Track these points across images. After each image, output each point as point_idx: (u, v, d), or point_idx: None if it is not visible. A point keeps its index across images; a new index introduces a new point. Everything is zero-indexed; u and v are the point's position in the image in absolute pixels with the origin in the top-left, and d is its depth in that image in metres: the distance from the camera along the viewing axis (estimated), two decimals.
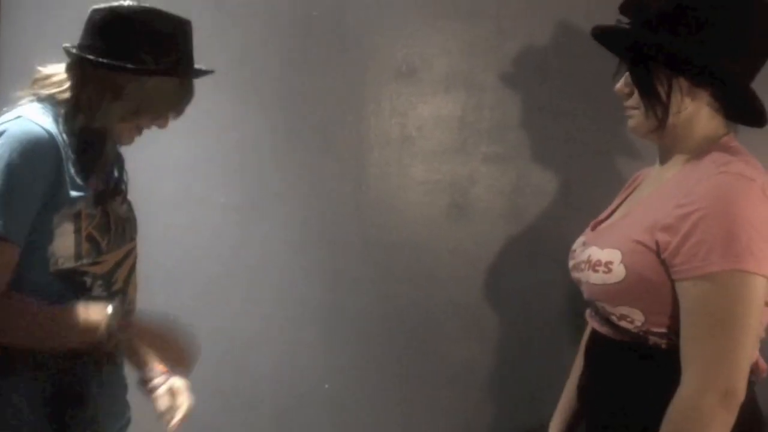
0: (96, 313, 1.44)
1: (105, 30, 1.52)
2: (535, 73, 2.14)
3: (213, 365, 2.35)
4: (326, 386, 2.31)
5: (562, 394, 1.70)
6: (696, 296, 1.25)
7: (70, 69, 1.55)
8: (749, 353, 1.25)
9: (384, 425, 2.31)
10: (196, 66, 1.62)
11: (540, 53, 2.13)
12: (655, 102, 1.37)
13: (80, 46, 1.54)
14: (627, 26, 1.38)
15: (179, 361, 1.65)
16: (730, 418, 1.23)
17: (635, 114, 1.42)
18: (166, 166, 2.30)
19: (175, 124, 2.26)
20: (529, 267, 2.19)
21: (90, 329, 1.43)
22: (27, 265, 1.43)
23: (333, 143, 2.26)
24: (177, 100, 1.59)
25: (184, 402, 1.67)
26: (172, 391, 1.67)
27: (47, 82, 1.55)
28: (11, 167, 1.36)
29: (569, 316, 2.13)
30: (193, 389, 2.33)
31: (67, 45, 1.56)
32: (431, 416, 2.29)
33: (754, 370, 1.35)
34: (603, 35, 1.43)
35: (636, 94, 1.40)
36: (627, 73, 1.41)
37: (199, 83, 2.23)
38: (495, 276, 2.21)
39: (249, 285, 2.32)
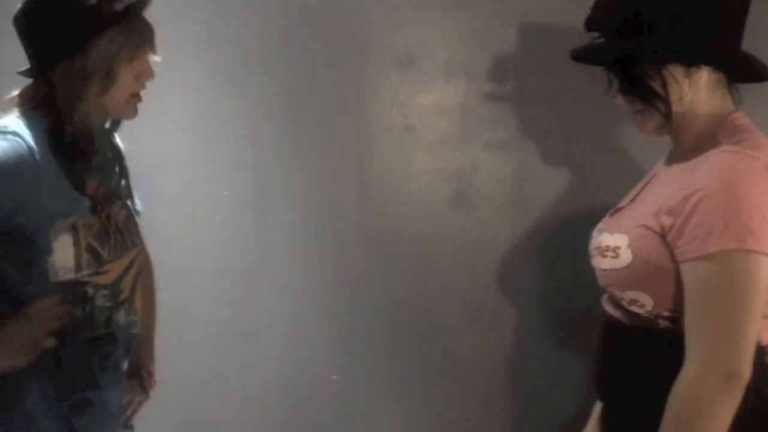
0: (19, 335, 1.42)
1: (32, 28, 1.47)
2: (536, 59, 2.13)
3: (219, 360, 2.35)
4: (334, 377, 2.32)
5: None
6: (697, 277, 1.25)
7: (33, 83, 1.52)
8: (753, 334, 1.23)
9: (391, 417, 2.31)
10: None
11: (541, 39, 2.11)
12: (654, 99, 1.37)
13: (29, 58, 1.50)
14: (602, 42, 1.40)
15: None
16: (734, 400, 1.22)
17: (641, 117, 1.43)
18: (167, 162, 2.29)
19: (175, 120, 2.26)
20: (535, 254, 2.18)
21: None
22: (27, 279, 1.43)
23: (334, 134, 2.25)
24: (139, 40, 1.51)
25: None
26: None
27: (21, 99, 1.51)
28: None
29: (576, 303, 2.13)
30: (200, 384, 2.35)
31: (22, 69, 1.52)
32: (438, 407, 2.29)
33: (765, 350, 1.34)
34: (581, 57, 1.44)
35: (637, 99, 1.40)
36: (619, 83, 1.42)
37: (199, 78, 2.23)
38: (500, 264, 2.21)
39: (253, 279, 2.32)
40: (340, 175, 2.25)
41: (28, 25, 1.47)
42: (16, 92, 1.53)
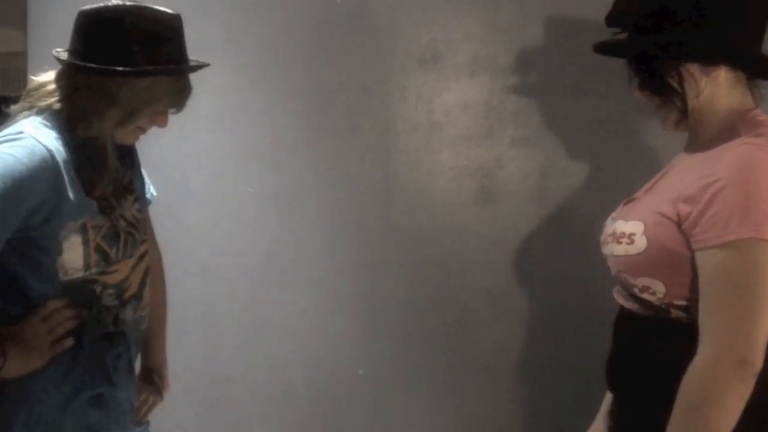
0: None
1: (93, 33, 1.48)
2: (560, 55, 2.13)
3: (248, 354, 2.38)
4: (360, 372, 2.33)
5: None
6: (714, 265, 1.25)
7: (60, 77, 1.52)
8: (766, 323, 1.23)
9: (416, 410, 2.33)
10: (191, 60, 1.58)
11: (564, 34, 2.11)
12: (671, 95, 1.38)
13: (70, 51, 1.51)
14: (623, 38, 1.41)
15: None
16: (745, 388, 1.22)
17: (660, 111, 1.44)
18: (195, 159, 2.33)
19: (202, 116, 2.30)
20: (559, 249, 2.18)
21: None
22: (36, 278, 1.45)
23: (360, 132, 2.27)
24: (173, 98, 1.55)
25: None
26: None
27: (41, 92, 1.52)
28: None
29: (601, 298, 2.12)
30: (229, 378, 2.38)
31: (58, 50, 1.53)
32: (463, 401, 2.30)
33: None
34: (604, 50, 1.46)
35: (655, 95, 1.42)
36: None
37: (225, 74, 2.26)
38: (525, 260, 2.21)
39: (280, 274, 2.35)
40: (365, 171, 2.27)
41: (95, 23, 1.48)
42: (46, 77, 1.55)
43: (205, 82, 2.24)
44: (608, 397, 1.63)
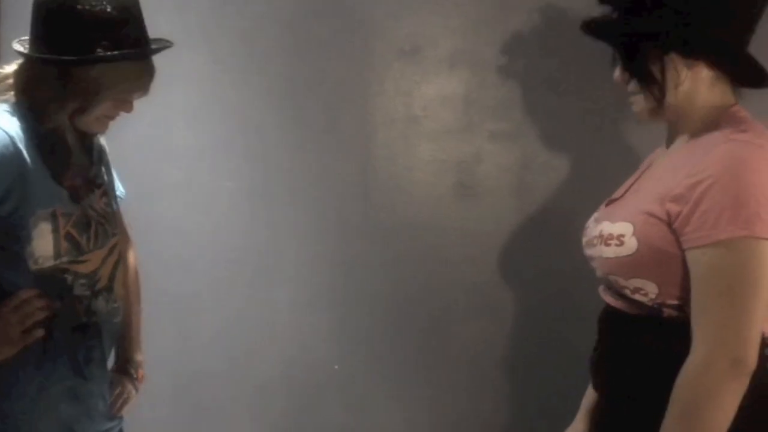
0: None
1: (48, 21, 1.45)
2: (540, 49, 2.13)
3: (223, 349, 2.36)
4: (336, 367, 2.32)
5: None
6: (705, 264, 1.25)
7: (21, 68, 1.50)
8: (759, 321, 1.23)
9: (392, 406, 2.32)
10: (153, 40, 1.54)
11: (544, 29, 2.11)
12: (650, 82, 1.38)
13: (30, 41, 1.49)
14: (611, 17, 1.40)
15: None
16: (739, 387, 1.22)
17: (636, 99, 1.43)
18: (170, 153, 2.29)
19: (178, 110, 2.27)
20: (539, 244, 2.18)
21: None
22: (5, 267, 1.43)
23: (338, 125, 2.25)
24: (134, 83, 1.52)
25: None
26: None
27: (4, 84, 1.50)
28: None
29: (579, 292, 2.13)
30: (204, 373, 2.36)
31: (22, 39, 1.50)
32: (440, 396, 2.29)
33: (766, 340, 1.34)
34: (590, 29, 1.45)
35: (634, 80, 1.41)
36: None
37: (202, 67, 2.23)
38: (504, 254, 2.21)
39: (256, 269, 2.32)
40: (343, 164, 2.26)
41: (50, 11, 1.45)
42: (7, 69, 1.52)
43: (181, 75, 2.23)
44: (588, 396, 1.62)
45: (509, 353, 2.24)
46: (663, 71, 1.36)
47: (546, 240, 2.17)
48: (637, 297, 1.36)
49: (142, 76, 1.52)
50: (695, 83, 1.37)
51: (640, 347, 1.38)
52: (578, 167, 2.15)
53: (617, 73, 1.45)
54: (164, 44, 1.55)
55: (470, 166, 2.20)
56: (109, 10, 1.44)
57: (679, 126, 1.42)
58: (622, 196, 1.51)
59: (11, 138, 1.39)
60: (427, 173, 2.23)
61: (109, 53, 1.43)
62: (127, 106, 1.55)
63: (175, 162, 2.30)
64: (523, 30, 2.13)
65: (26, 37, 1.50)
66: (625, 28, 1.40)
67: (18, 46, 1.49)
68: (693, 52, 1.35)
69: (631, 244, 1.34)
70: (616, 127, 2.10)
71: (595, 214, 1.55)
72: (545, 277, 2.19)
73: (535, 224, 2.18)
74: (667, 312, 1.34)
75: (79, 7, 1.42)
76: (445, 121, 2.21)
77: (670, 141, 1.47)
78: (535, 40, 2.13)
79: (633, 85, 1.43)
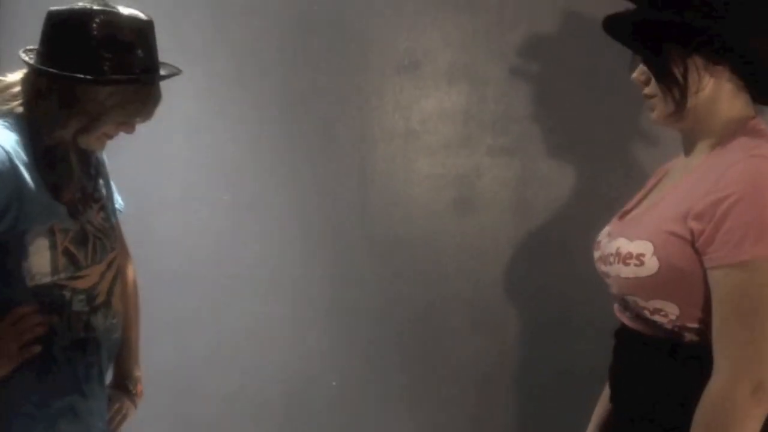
0: None
1: (59, 36, 1.44)
2: (539, 64, 2.12)
3: (220, 366, 2.34)
4: (333, 383, 2.30)
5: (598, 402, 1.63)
6: (728, 285, 1.21)
7: (25, 80, 1.48)
8: None
9: (391, 421, 2.30)
10: (162, 64, 1.53)
11: (543, 43, 2.11)
12: (671, 83, 1.32)
13: (37, 53, 1.46)
14: (634, 9, 1.35)
15: None
16: (762, 411, 1.19)
17: (654, 101, 1.38)
18: (169, 166, 2.29)
19: (176, 123, 2.26)
20: (537, 259, 2.17)
21: None
22: (2, 283, 1.41)
23: (336, 139, 2.25)
24: (139, 108, 1.50)
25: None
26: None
27: (6, 94, 1.47)
28: None
29: (578, 307, 2.12)
30: (201, 390, 2.34)
31: (29, 48, 1.48)
32: (439, 412, 2.28)
33: None
34: (612, 25, 1.39)
35: (653, 81, 1.36)
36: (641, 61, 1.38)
37: (200, 81, 2.23)
38: (502, 269, 2.20)
39: (253, 283, 2.31)
40: (342, 179, 2.25)
41: (62, 26, 1.44)
42: (13, 78, 1.50)
43: (180, 89, 2.21)
44: (599, 411, 1.59)
45: (508, 368, 2.23)
46: (685, 74, 1.31)
47: (545, 255, 2.16)
48: (656, 318, 1.31)
49: (148, 102, 1.51)
50: (716, 91, 1.32)
51: (657, 369, 1.34)
52: (577, 182, 2.14)
53: (636, 72, 1.39)
54: (173, 71, 1.55)
55: (469, 181, 2.20)
56: (123, 31, 1.43)
57: (695, 135, 1.38)
58: (635, 207, 1.47)
59: (8, 154, 1.37)
60: (425, 188, 2.22)
61: (120, 76, 1.42)
62: (129, 128, 1.54)
63: (173, 176, 2.29)
64: (522, 44, 2.13)
65: (32, 47, 1.49)
66: (647, 18, 1.33)
67: (25, 57, 1.47)
68: (721, 58, 1.29)
69: (651, 264, 1.29)
70: (616, 143, 2.09)
71: (608, 228, 1.50)
72: (542, 293, 2.18)
73: (534, 239, 2.17)
74: (688, 336, 1.30)
75: (94, 25, 1.41)
76: (444, 136, 2.20)
77: (687, 150, 1.42)
78: (533, 54, 2.13)
79: (652, 87, 1.37)
